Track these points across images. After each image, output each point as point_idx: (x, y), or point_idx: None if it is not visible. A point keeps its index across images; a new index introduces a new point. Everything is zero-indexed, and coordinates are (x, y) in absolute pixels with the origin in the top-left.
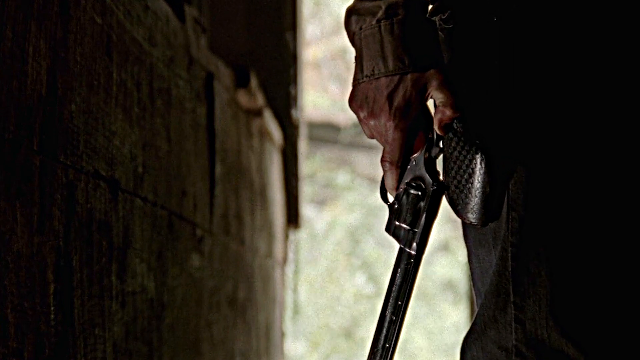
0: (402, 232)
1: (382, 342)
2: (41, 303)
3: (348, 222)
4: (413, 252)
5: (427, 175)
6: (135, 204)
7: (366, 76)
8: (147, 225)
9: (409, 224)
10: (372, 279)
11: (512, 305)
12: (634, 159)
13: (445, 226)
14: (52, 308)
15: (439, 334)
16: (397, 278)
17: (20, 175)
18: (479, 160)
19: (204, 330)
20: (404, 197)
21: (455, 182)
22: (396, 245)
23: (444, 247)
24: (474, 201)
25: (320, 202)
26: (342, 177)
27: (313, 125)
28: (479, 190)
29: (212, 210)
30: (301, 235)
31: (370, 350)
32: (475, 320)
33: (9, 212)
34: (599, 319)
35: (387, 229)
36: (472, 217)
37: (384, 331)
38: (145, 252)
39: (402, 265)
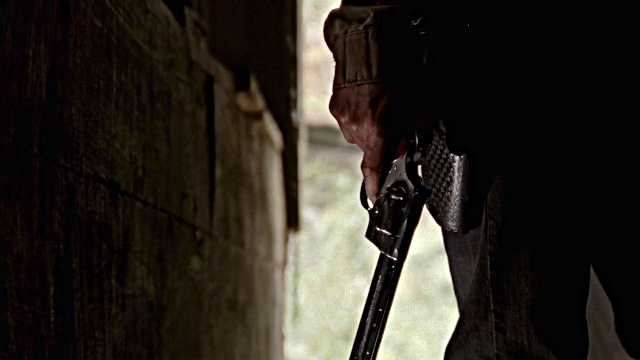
0: (382, 238)
1: (362, 350)
2: (41, 306)
3: (348, 225)
4: (394, 259)
5: (409, 181)
6: (135, 206)
7: (348, 81)
8: (147, 228)
9: (390, 229)
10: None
11: (493, 314)
12: (613, 169)
13: None
14: (52, 311)
15: (438, 337)
16: (377, 285)
17: (20, 178)
18: (456, 168)
19: (204, 333)
20: (385, 202)
21: (434, 189)
22: None
23: (444, 250)
24: (454, 209)
25: (320, 205)
26: (342, 180)
27: (313, 128)
28: (458, 198)
29: (212, 213)
30: (301, 238)
31: (350, 358)
32: (456, 328)
33: (9, 215)
34: (579, 326)
35: (368, 235)
36: (452, 224)
37: (364, 339)
38: (145, 255)
39: (383, 272)
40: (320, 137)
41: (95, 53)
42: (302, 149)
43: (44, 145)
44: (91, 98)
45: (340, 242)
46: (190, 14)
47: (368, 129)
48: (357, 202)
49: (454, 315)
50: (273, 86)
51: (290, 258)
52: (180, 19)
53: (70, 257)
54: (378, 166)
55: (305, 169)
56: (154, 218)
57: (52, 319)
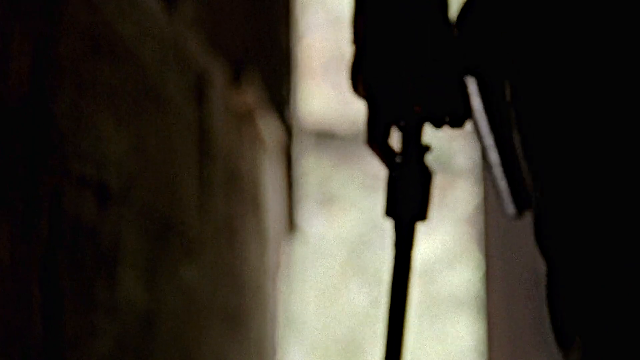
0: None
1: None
2: (27, 316)
3: (347, 229)
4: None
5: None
6: (124, 210)
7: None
8: (136, 233)
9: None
10: (373, 288)
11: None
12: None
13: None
14: (38, 321)
15: (448, 352)
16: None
17: (3, 181)
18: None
19: (196, 343)
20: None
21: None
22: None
23: (456, 260)
24: (503, 195)
25: (318, 208)
26: (341, 182)
27: (311, 127)
28: (503, 184)
29: (204, 217)
30: (297, 243)
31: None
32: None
33: None
34: None
35: None
36: (509, 211)
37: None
38: (135, 262)
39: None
40: (319, 136)
41: (82, 48)
42: (299, 148)
43: (29, 146)
44: (78, 96)
45: (339, 247)
46: (182, 7)
47: (358, 95)
48: (356, 205)
49: (467, 333)
50: (269, 83)
51: (286, 264)
52: (172, 11)
53: (57, 264)
54: (371, 138)
55: (302, 170)
56: (144, 222)
57: (39, 329)
